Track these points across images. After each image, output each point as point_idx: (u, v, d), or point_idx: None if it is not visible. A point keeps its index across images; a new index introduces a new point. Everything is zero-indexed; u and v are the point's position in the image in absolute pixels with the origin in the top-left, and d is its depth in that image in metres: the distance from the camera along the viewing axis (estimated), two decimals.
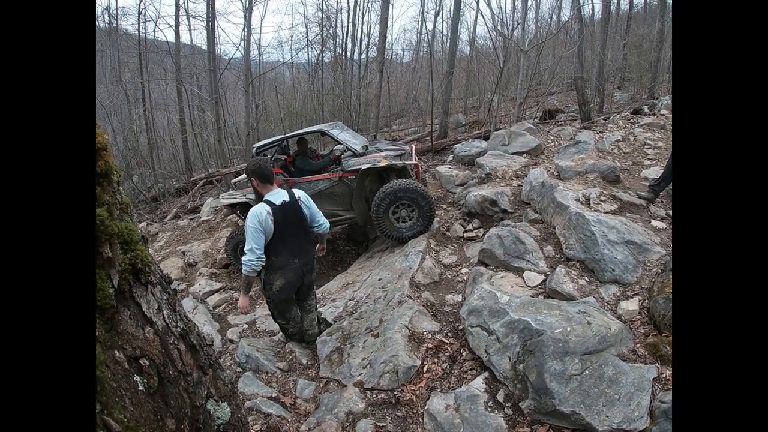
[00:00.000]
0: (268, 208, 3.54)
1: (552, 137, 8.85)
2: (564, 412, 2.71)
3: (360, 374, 3.61)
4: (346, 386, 3.55)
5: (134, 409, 0.96)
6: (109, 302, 1.04)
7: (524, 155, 7.86)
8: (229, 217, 8.77)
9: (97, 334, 0.94)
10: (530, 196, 5.94)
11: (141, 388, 1.04)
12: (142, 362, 1.08)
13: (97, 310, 1.00)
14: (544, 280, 4.23)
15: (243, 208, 6.73)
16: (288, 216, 3.64)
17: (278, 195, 3.67)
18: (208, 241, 8.29)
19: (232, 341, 4.81)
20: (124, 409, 0.93)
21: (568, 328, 3.03)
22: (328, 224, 4.07)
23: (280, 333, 4.48)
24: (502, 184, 6.61)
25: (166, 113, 18.96)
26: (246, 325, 5.17)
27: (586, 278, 4.07)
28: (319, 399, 3.57)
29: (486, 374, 3.26)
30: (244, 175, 6.83)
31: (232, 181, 7.36)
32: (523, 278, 4.32)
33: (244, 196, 6.41)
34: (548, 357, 2.91)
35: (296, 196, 3.79)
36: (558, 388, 2.77)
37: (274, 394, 3.63)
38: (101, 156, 1.09)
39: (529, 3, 12.79)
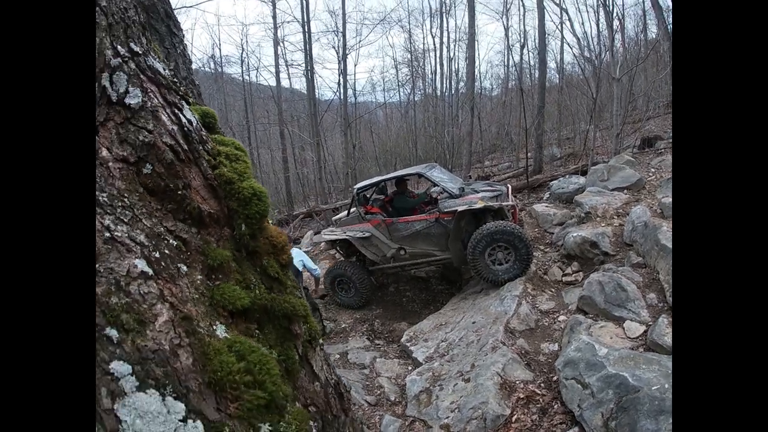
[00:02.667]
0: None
1: (653, 169, 8.38)
2: None
3: (447, 417, 3.68)
4: (431, 428, 3.64)
5: None
6: (296, 367, 1.30)
7: (625, 191, 7.53)
8: (328, 251, 9.31)
9: (287, 388, 1.19)
10: (632, 237, 5.70)
11: (314, 431, 1.29)
12: (311, 409, 1.32)
13: (287, 373, 1.27)
14: (646, 331, 4.04)
15: (343, 244, 7.16)
16: None
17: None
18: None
19: None
20: None
21: (666, 385, 2.91)
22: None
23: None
24: (603, 224, 6.40)
25: (269, 151, 20.68)
26: (338, 356, 5.44)
27: None
28: None
29: (576, 429, 3.20)
30: (344, 213, 7.30)
31: (333, 218, 7.86)
32: (624, 329, 4.16)
33: (345, 233, 6.82)
34: (642, 415, 2.81)
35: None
36: None
37: (363, 420, 3.79)
38: (285, 251, 1.42)
39: (615, 26, 12.27)
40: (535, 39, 15.97)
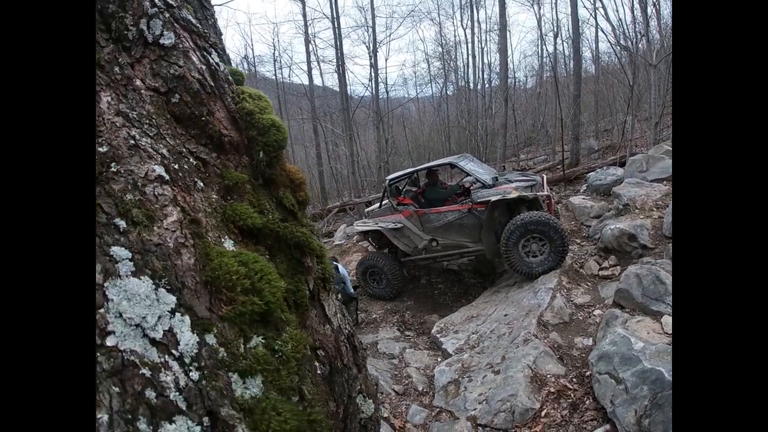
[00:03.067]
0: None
1: None
2: None
3: (475, 409, 3.64)
4: (458, 419, 3.61)
5: (313, 387, 1.20)
6: (304, 302, 1.31)
7: (664, 182, 7.24)
8: (360, 243, 9.37)
9: (293, 318, 1.20)
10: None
11: (319, 372, 1.29)
12: (319, 352, 1.32)
13: (295, 306, 1.28)
14: None
15: (375, 236, 7.18)
16: None
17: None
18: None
19: None
20: (309, 385, 1.18)
21: None
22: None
23: None
24: (642, 216, 6.17)
25: (303, 147, 20.95)
26: (368, 346, 5.46)
27: None
28: (429, 427, 3.67)
29: (607, 426, 3.10)
30: (376, 205, 7.32)
31: (366, 210, 7.89)
32: (661, 323, 4.00)
33: (377, 224, 6.84)
34: None
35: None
36: None
37: (385, 415, 3.80)
38: (302, 188, 1.46)
39: (650, 12, 11.74)
40: (568, 27, 15.57)
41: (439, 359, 4.82)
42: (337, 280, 6.00)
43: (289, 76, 23.87)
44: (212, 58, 1.29)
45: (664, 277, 4.39)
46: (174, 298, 0.92)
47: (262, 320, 1.08)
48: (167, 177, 1.05)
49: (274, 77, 19.19)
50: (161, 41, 1.15)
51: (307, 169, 18.80)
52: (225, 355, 0.96)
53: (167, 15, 1.18)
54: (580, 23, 12.48)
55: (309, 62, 17.34)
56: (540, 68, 19.98)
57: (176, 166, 1.10)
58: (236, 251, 1.11)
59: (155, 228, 0.96)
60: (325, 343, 1.36)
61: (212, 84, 1.24)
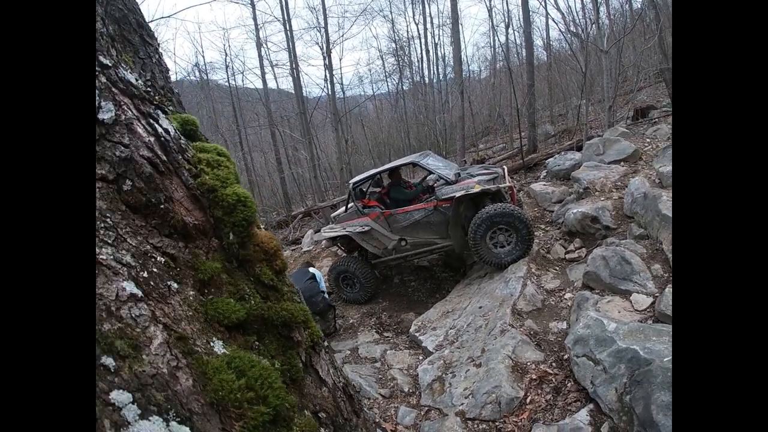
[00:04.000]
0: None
1: (648, 139, 8.34)
2: None
3: (462, 404, 3.68)
4: (447, 415, 3.64)
5: None
6: (300, 375, 1.30)
7: (622, 163, 7.49)
8: (329, 248, 9.29)
9: (294, 399, 1.19)
10: (633, 209, 5.67)
11: None
12: (320, 415, 1.31)
13: (291, 382, 1.26)
14: (653, 303, 4.03)
15: (344, 240, 7.14)
16: None
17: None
18: None
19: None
20: None
21: None
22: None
23: None
24: (602, 198, 6.37)
25: (262, 154, 20.61)
26: (349, 351, 5.43)
27: None
28: (420, 427, 3.69)
29: (591, 406, 3.18)
30: (342, 209, 7.28)
31: (332, 215, 7.83)
32: (631, 301, 4.15)
33: (344, 229, 6.80)
34: (656, 387, 2.79)
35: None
36: (664, 421, 2.65)
37: (375, 419, 3.79)
38: (278, 256, 1.40)
39: None
40: (519, 17, 15.89)
41: (420, 358, 4.84)
42: (315, 291, 5.94)
43: (243, 82, 23.47)
44: (160, 125, 1.17)
45: (629, 256, 4.55)
46: (187, 429, 0.90)
47: (273, 422, 1.09)
48: (140, 293, 0.97)
49: (227, 84, 18.75)
50: (100, 116, 1.01)
51: (267, 176, 18.51)
52: None
53: (103, 79, 1.04)
54: (530, 13, 12.75)
55: (262, 66, 17.05)
56: (493, 59, 20.35)
57: (146, 274, 1.01)
58: (229, 356, 1.09)
59: (144, 356, 0.91)
60: (325, 405, 1.36)
61: (165, 159, 1.14)
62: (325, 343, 1.57)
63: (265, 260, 1.38)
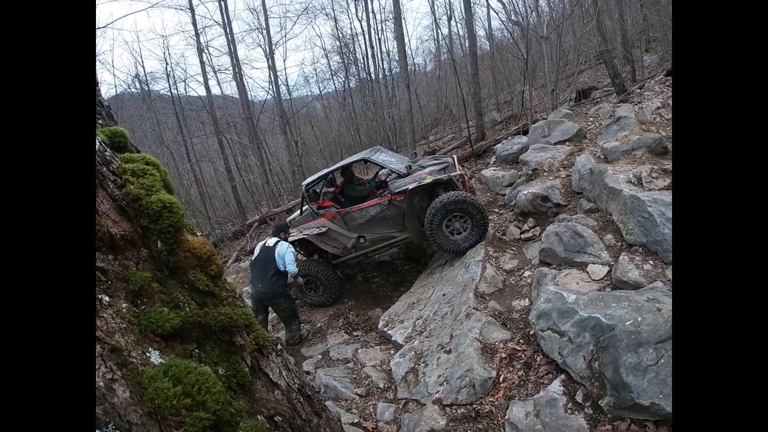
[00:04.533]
0: (261, 243, 6.01)
1: (591, 118, 8.65)
2: (643, 405, 2.68)
3: (437, 392, 3.69)
4: (425, 405, 3.64)
5: None
6: (247, 379, 1.26)
7: (567, 143, 7.73)
8: None
9: (242, 404, 1.15)
10: (581, 185, 5.86)
11: None
12: (276, 419, 1.28)
13: (239, 387, 1.22)
14: (609, 271, 4.17)
15: (302, 244, 7.00)
16: (264, 254, 5.78)
17: (271, 240, 5.87)
18: None
19: (308, 373, 4.99)
20: None
21: (639, 318, 2.99)
22: (292, 270, 5.76)
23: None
24: (551, 178, 6.54)
25: (211, 163, 19.98)
26: (320, 356, 5.36)
27: (650, 262, 3.99)
28: (400, 420, 3.68)
29: (562, 376, 3.26)
30: (297, 213, 7.15)
31: (287, 219, 7.68)
32: (588, 272, 4.27)
33: (301, 232, 6.68)
34: (622, 351, 2.88)
35: (278, 244, 5.75)
36: (635, 381, 2.75)
37: (355, 420, 3.77)
38: (212, 261, 1.35)
39: None
40: (461, 9, 16.13)
41: (392, 352, 4.82)
42: (278, 290, 5.64)
43: (186, 91, 22.61)
44: None
45: (581, 230, 4.69)
46: None
47: (216, 427, 1.05)
48: None
49: (169, 94, 18.04)
50: None
51: (218, 186, 17.96)
52: None
53: None
54: (471, 3, 12.96)
55: (205, 73, 16.49)
56: (437, 51, 20.61)
57: None
58: (165, 364, 1.06)
59: None
60: (280, 408, 1.33)
61: None
62: (278, 346, 1.53)
63: (198, 266, 1.35)
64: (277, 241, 5.77)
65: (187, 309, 1.22)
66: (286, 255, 5.65)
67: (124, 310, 1.07)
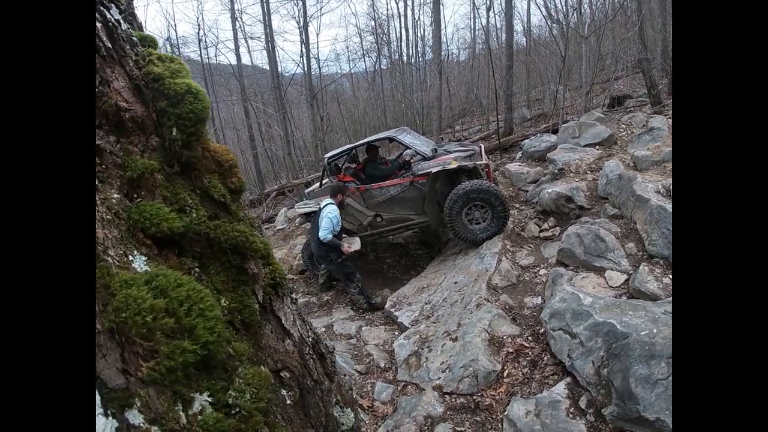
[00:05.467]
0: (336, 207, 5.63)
1: (623, 126, 8.44)
2: (648, 419, 2.59)
3: (439, 378, 3.65)
4: (424, 390, 3.60)
5: (286, 425, 0.96)
6: (255, 319, 1.04)
7: (597, 147, 7.58)
8: (303, 226, 9.14)
9: (244, 347, 0.93)
10: (607, 190, 5.72)
11: (289, 402, 1.05)
12: (283, 375, 1.07)
13: (243, 327, 1.01)
14: (627, 280, 4.07)
15: None
16: (316, 215, 5.71)
17: (324, 201, 5.72)
18: (284, 249, 8.69)
19: None
20: (280, 426, 0.93)
21: (655, 330, 2.90)
22: (325, 236, 5.50)
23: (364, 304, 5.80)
24: (577, 179, 6.41)
25: (235, 131, 20.04)
26: (324, 329, 5.35)
27: (670, 276, 3.88)
28: (397, 402, 3.65)
29: (568, 379, 3.19)
30: (316, 185, 7.11)
31: (306, 191, 7.66)
32: (605, 278, 4.18)
33: (318, 204, 6.65)
34: (634, 360, 2.80)
35: (324, 207, 5.63)
36: (643, 394, 2.67)
37: (352, 387, 3.75)
38: (234, 173, 1.16)
39: None
40: (501, 0, 15.77)
41: (396, 333, 4.79)
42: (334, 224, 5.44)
43: (216, 56, 22.64)
44: (111, 14, 0.98)
45: (604, 234, 4.59)
46: None
47: (204, 368, 0.79)
48: None
49: (199, 58, 18.04)
50: None
51: (240, 154, 18.01)
52: None
53: None
54: None
55: (236, 40, 16.48)
56: (473, 41, 20.23)
57: None
58: (150, 273, 0.80)
59: None
60: (289, 362, 1.11)
61: (109, 46, 0.95)
62: (293, 295, 1.35)
63: (217, 172, 1.14)
64: (327, 203, 5.66)
65: (194, 215, 1.00)
66: (323, 219, 5.50)
67: (113, 201, 0.87)
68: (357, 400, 3.73)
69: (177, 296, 0.77)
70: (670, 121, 7.25)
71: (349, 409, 1.40)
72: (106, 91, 0.93)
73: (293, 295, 1.32)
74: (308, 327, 1.35)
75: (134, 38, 1.07)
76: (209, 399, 0.78)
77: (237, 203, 1.19)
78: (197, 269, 0.98)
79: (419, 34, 18.41)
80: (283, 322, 1.19)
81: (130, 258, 0.82)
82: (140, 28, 1.32)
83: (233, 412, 0.80)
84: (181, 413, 0.72)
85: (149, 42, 1.14)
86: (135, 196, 0.93)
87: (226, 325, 0.91)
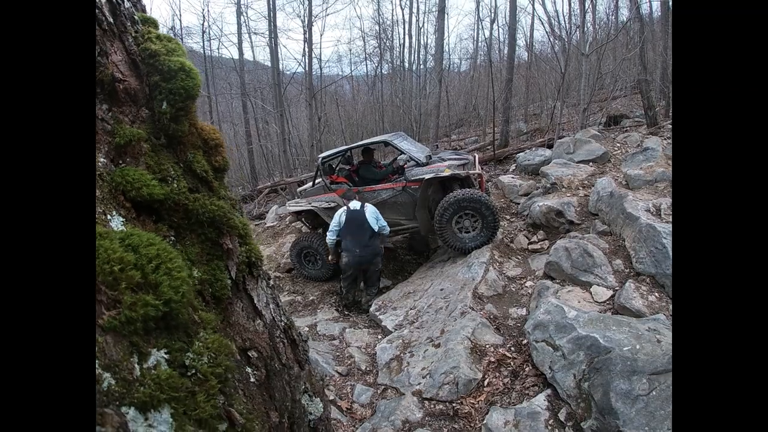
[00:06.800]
0: (345, 209, 5.67)
1: (618, 144, 8.50)
2: None
3: (419, 383, 3.63)
4: (404, 395, 3.58)
5: (247, 400, 0.97)
6: (226, 293, 1.06)
7: (590, 164, 7.61)
8: (293, 224, 9.10)
9: (211, 317, 0.94)
10: (598, 206, 5.75)
11: (253, 380, 1.05)
12: (251, 354, 1.08)
13: (214, 300, 1.02)
14: (613, 296, 4.09)
15: (308, 215, 6.96)
16: (354, 217, 5.58)
17: (355, 204, 5.69)
18: (273, 246, 8.65)
19: None
20: (241, 401, 0.94)
21: (638, 346, 2.91)
22: (388, 228, 5.89)
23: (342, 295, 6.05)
24: (568, 194, 6.44)
25: (232, 125, 19.97)
26: (307, 328, 5.31)
27: (656, 294, 3.90)
28: (376, 405, 3.62)
29: (548, 391, 3.18)
30: (309, 184, 7.09)
31: (299, 189, 7.63)
32: (591, 293, 4.19)
33: (310, 204, 6.63)
34: (615, 375, 2.80)
35: (365, 208, 5.67)
36: (623, 409, 2.67)
37: (331, 398, 3.71)
38: (219, 152, 1.17)
39: (587, 5, 12.37)
40: (506, 14, 15.90)
41: (379, 337, 4.77)
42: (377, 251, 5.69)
43: (219, 49, 22.58)
44: None
45: (592, 250, 4.60)
46: None
47: (165, 327, 0.80)
48: None
49: (202, 50, 17.97)
50: None
51: (236, 149, 17.93)
52: (113, 383, 0.67)
53: None
54: (517, 10, 12.75)
55: (240, 34, 16.43)
56: (475, 52, 20.35)
57: None
58: (125, 232, 0.82)
59: None
60: (258, 342, 1.13)
61: (111, 21, 0.98)
62: (270, 280, 1.36)
63: (201, 149, 1.17)
64: (362, 205, 5.72)
65: (175, 186, 1.03)
66: (379, 215, 5.72)
67: (99, 164, 0.89)
68: (336, 401, 3.69)
69: (147, 253, 0.80)
70: (665, 142, 7.31)
71: (318, 399, 1.38)
72: (104, 62, 0.95)
73: (270, 280, 1.32)
74: (282, 312, 1.36)
75: (135, 17, 1.10)
76: (166, 356, 0.78)
77: (220, 181, 1.21)
78: (173, 238, 1.01)
79: (422, 42, 18.52)
80: (255, 301, 1.20)
81: (109, 217, 0.85)
82: (143, 10, 1.31)
83: (189, 373, 0.80)
84: (136, 365, 0.72)
85: (150, 22, 1.18)
86: (120, 161, 0.96)
87: (196, 295, 0.93)
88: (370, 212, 5.64)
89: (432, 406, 3.40)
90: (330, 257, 6.11)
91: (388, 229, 5.90)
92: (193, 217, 1.05)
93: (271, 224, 10.19)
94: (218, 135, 1.21)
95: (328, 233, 5.79)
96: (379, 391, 3.82)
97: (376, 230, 5.62)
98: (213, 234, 1.08)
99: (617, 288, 4.15)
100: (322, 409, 1.38)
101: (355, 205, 5.68)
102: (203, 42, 17.53)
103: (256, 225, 10.66)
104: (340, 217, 5.64)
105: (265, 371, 1.11)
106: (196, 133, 1.16)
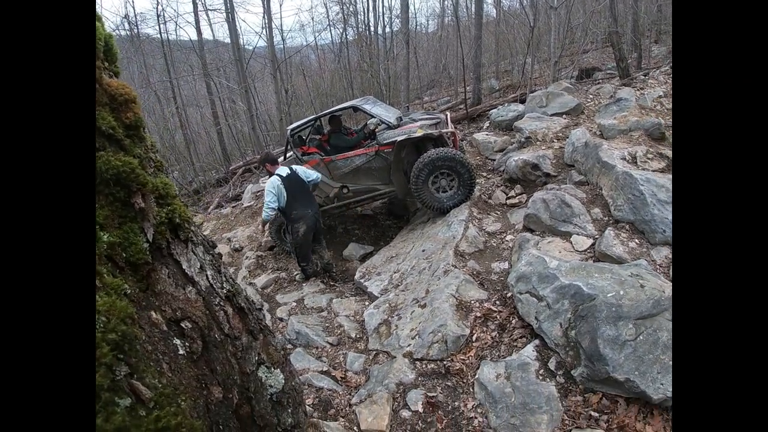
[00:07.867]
0: (278, 178, 5.34)
1: (591, 96, 8.46)
2: (618, 380, 2.62)
3: (409, 345, 3.63)
4: (395, 358, 3.59)
5: (173, 375, 0.89)
6: (142, 257, 0.98)
7: (564, 116, 7.57)
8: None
9: (130, 292, 0.88)
10: (573, 157, 5.73)
11: (182, 352, 0.97)
12: (183, 325, 1.01)
13: (129, 267, 0.94)
14: (593, 244, 4.10)
15: None
16: (293, 182, 5.37)
17: (283, 170, 5.45)
18: (252, 226, 8.48)
19: (281, 319, 4.92)
20: (161, 375, 0.85)
21: (621, 292, 2.92)
22: (318, 176, 5.76)
23: (300, 274, 5.91)
24: (543, 147, 6.40)
25: (198, 108, 19.37)
26: (294, 303, 5.27)
27: (636, 240, 3.92)
28: (369, 371, 3.63)
29: (537, 342, 3.20)
30: (281, 159, 6.92)
31: None
32: (571, 242, 4.20)
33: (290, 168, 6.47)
34: (601, 322, 2.81)
35: (294, 169, 5.52)
36: (611, 355, 2.69)
37: (324, 368, 3.71)
38: (130, 108, 1.06)
39: None
40: None
41: (366, 303, 4.75)
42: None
43: (176, 31, 21.65)
44: None
45: (569, 200, 4.59)
46: None
47: None
48: None
49: (158, 35, 17.15)
50: None
51: (204, 132, 17.44)
52: None
53: None
54: None
55: (196, 13, 15.69)
56: (442, 11, 19.93)
57: None
58: None
59: None
60: (191, 312, 1.04)
61: None
62: (211, 249, 1.24)
63: (109, 106, 1.05)
64: (290, 167, 5.57)
65: None
66: (305, 170, 5.66)
67: None
68: (330, 371, 3.67)
69: None
70: (638, 93, 7.29)
71: (278, 370, 1.30)
72: None
73: (205, 242, 1.21)
74: (224, 279, 1.25)
75: None
76: None
77: (133, 139, 1.09)
78: None
79: (386, 4, 18.06)
80: (184, 267, 1.11)
81: None
82: None
83: None
84: None
85: None
86: None
87: (106, 260, 0.86)
88: (301, 171, 5.55)
89: (424, 365, 3.41)
90: (266, 235, 6.10)
91: (319, 176, 5.76)
92: (98, 176, 0.95)
93: (248, 204, 9.96)
94: (128, 90, 1.10)
95: (265, 210, 5.31)
96: (371, 357, 3.82)
97: (311, 185, 5.62)
98: (122, 194, 0.99)
99: (597, 236, 4.16)
100: (283, 381, 1.30)
101: (286, 171, 5.45)
102: (159, 25, 16.70)
103: (233, 207, 10.44)
104: (277, 189, 5.28)
105: (202, 342, 1.03)
106: (102, 90, 1.05)
